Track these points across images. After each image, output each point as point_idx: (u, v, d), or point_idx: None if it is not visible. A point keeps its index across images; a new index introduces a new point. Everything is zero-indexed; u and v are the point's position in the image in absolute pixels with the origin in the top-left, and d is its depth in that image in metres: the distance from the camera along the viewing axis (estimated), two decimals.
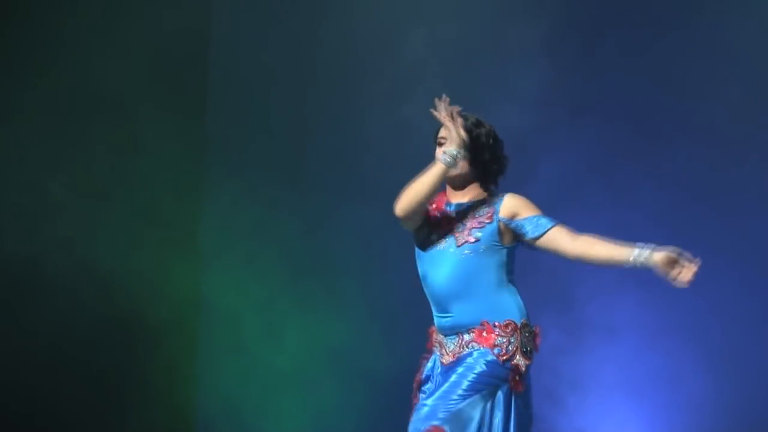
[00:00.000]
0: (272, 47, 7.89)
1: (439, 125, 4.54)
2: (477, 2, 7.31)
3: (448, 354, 4.45)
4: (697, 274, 4.49)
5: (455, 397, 4.35)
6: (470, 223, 4.45)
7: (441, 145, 4.50)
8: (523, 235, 4.38)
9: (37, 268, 7.11)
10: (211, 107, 8.08)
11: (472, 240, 4.42)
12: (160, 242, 7.54)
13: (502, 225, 4.44)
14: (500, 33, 7.22)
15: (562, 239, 4.35)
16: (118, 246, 7.39)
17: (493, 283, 4.43)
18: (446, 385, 4.34)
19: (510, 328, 4.33)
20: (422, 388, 4.45)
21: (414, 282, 4.66)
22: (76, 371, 7.35)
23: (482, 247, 4.42)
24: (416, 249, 4.58)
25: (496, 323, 4.37)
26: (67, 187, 7.32)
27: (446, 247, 4.46)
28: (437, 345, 4.48)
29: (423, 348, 4.71)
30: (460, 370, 4.35)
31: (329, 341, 7.52)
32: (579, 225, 4.60)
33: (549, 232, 4.34)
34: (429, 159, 4.68)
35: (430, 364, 4.46)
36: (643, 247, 4.18)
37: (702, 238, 6.72)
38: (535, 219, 4.35)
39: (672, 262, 4.16)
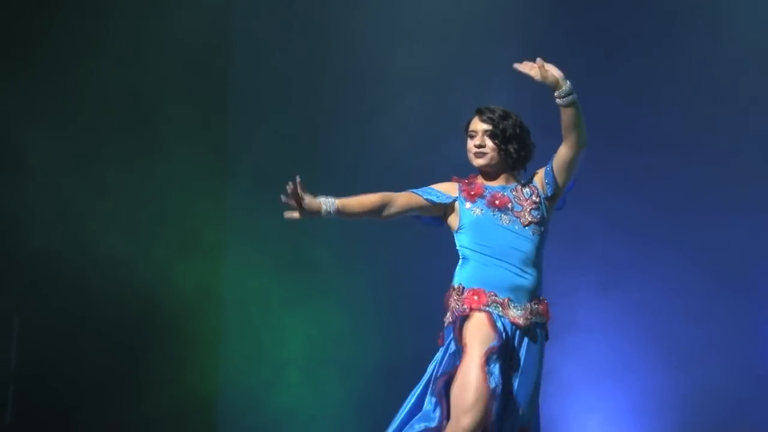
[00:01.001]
0: (284, 57, 8.13)
1: (469, 119, 4.68)
2: (455, 26, 7.66)
3: (518, 316, 4.45)
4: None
5: (537, 388, 4.52)
6: (525, 203, 4.57)
7: (472, 137, 4.62)
8: (554, 182, 4.57)
9: (66, 259, 7.38)
10: (231, 113, 8.36)
11: (536, 220, 4.54)
12: (182, 237, 7.81)
13: (545, 201, 4.60)
14: (476, 56, 7.57)
15: (560, 152, 4.53)
16: (142, 240, 7.67)
17: (543, 262, 4.61)
18: (531, 380, 4.46)
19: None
20: (498, 354, 4.38)
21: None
22: (104, 350, 7.68)
23: (542, 228, 4.57)
24: (466, 225, 4.56)
25: (545, 299, 4.59)
26: (92, 185, 7.62)
27: (510, 225, 4.53)
28: (495, 304, 4.44)
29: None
30: (535, 362, 4.48)
31: (332, 327, 7.79)
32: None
33: (552, 162, 4.56)
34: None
35: (500, 326, 4.40)
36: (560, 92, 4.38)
37: (664, 242, 7.26)
38: (545, 171, 4.59)
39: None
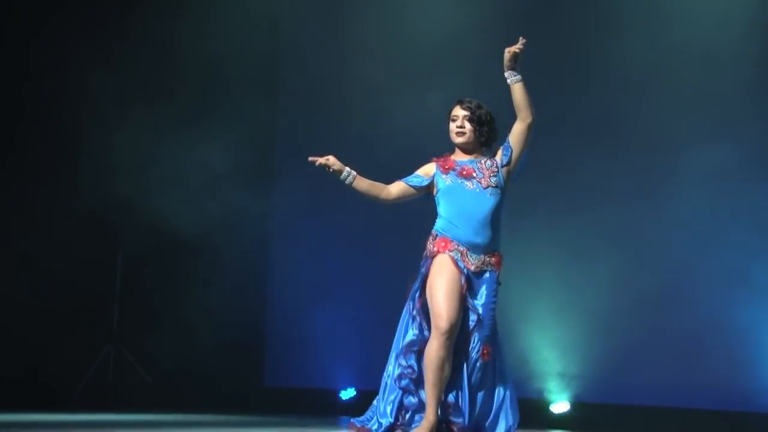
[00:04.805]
0: (320, 58, 9.21)
1: (452, 106, 5.41)
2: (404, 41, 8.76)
3: (472, 263, 5.23)
4: None
5: (492, 319, 5.28)
6: (486, 172, 5.32)
7: (453, 121, 5.39)
8: (510, 150, 5.35)
9: (149, 210, 8.47)
10: (279, 96, 9.52)
11: (494, 184, 5.30)
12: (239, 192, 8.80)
13: (502, 170, 5.36)
14: (425, 67, 8.58)
15: (515, 127, 5.33)
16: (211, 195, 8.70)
17: (501, 219, 5.35)
18: (487, 308, 5.22)
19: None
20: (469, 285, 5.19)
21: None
22: (178, 273, 8.99)
23: (499, 191, 5.32)
24: (441, 191, 5.32)
25: (499, 253, 5.36)
26: (169, 150, 8.59)
27: (474, 188, 5.28)
28: (457, 251, 5.21)
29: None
30: (489, 295, 5.23)
31: (361, 276, 8.77)
32: None
33: (509, 137, 5.36)
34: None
35: (461, 266, 5.18)
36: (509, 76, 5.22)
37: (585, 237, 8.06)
38: (502, 146, 5.38)
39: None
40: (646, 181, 8.07)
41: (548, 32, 8.30)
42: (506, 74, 5.30)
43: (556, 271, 8.19)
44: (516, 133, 5.38)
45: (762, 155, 7.67)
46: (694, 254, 7.84)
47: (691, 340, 7.76)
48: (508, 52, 5.26)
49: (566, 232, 8.18)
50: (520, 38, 5.25)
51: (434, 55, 8.74)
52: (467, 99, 5.44)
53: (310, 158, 5.35)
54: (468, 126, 5.38)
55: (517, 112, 5.35)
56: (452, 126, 5.41)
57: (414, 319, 5.29)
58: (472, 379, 5.24)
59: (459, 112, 5.41)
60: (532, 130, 5.38)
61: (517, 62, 5.27)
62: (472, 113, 5.38)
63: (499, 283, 5.36)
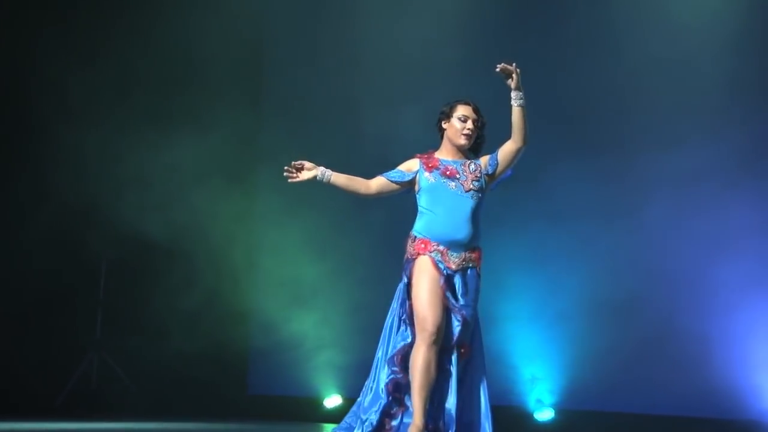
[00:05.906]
0: (301, 54, 9.26)
1: (453, 104, 5.44)
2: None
3: (453, 262, 5.29)
4: None
5: (474, 317, 5.35)
6: (469, 175, 5.37)
7: (464, 121, 5.40)
8: (495, 164, 5.40)
9: (128, 218, 8.51)
10: (262, 95, 9.51)
11: (475, 188, 5.36)
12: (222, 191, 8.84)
13: (485, 176, 5.43)
14: (403, 75, 8.67)
15: (507, 145, 5.39)
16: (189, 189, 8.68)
17: (481, 219, 5.42)
18: (471, 306, 5.27)
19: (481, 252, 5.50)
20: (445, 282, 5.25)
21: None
22: (164, 281, 8.75)
23: (480, 194, 5.38)
24: (423, 189, 5.38)
25: (479, 248, 5.43)
26: (154, 155, 8.56)
27: (456, 189, 5.34)
28: (437, 252, 5.27)
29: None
30: (473, 294, 5.30)
31: (336, 275, 8.76)
32: None
33: (498, 151, 5.42)
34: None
35: (441, 267, 5.25)
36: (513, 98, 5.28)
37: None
38: (490, 156, 5.45)
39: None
40: (615, 188, 8.14)
41: (521, 42, 8.36)
42: (512, 94, 5.34)
43: (525, 278, 8.24)
44: (506, 151, 5.45)
45: (728, 164, 7.75)
46: (662, 261, 7.90)
47: (660, 347, 7.79)
48: (513, 74, 5.29)
49: (535, 239, 8.23)
50: (513, 65, 5.31)
51: (412, 63, 8.83)
52: (473, 101, 5.50)
53: (285, 173, 5.37)
54: (476, 132, 5.46)
55: (512, 133, 5.41)
56: (460, 125, 5.43)
57: (403, 323, 5.35)
58: (457, 379, 5.26)
59: (471, 113, 5.45)
60: (521, 153, 5.45)
61: (517, 82, 5.31)
62: (480, 118, 5.47)
63: (478, 275, 5.43)
